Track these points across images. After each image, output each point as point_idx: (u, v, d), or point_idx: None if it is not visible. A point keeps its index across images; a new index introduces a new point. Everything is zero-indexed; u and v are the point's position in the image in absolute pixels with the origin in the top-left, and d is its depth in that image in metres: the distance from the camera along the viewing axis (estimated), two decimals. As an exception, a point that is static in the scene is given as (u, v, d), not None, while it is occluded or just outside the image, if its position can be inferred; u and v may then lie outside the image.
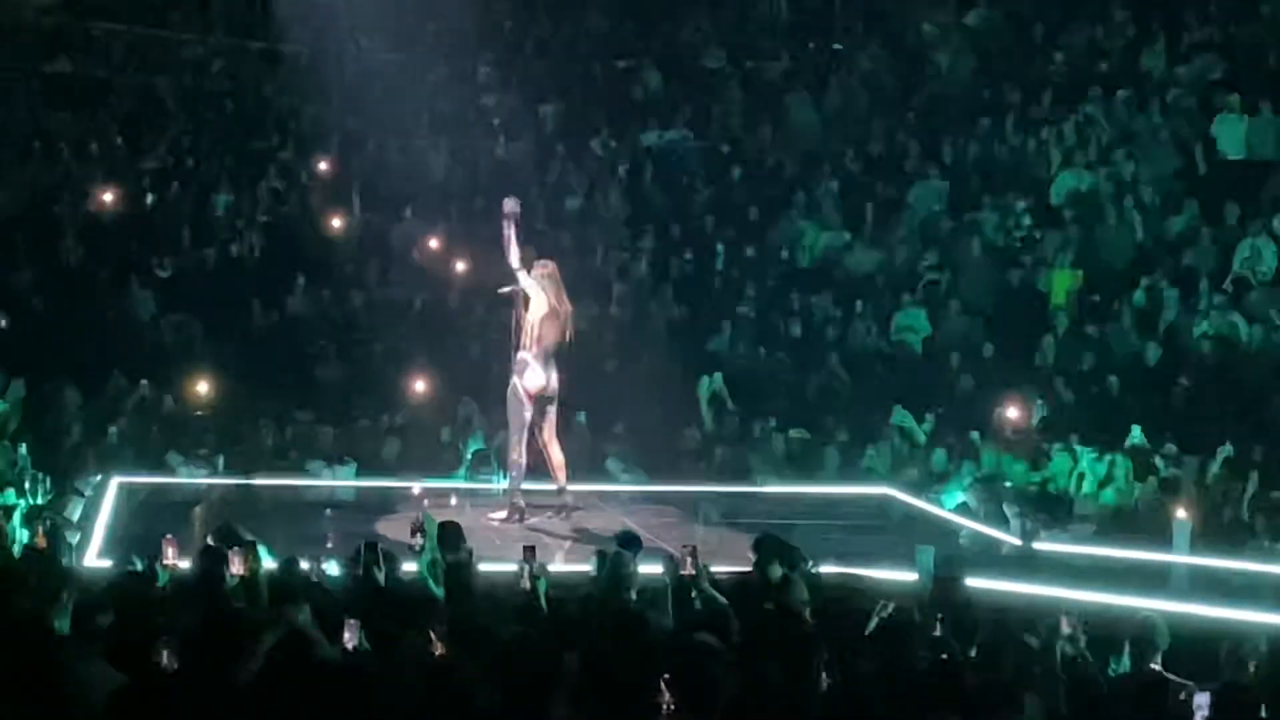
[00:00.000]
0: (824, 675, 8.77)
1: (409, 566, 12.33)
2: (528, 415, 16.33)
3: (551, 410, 16.59)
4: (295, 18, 28.08)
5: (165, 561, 11.62)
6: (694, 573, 11.58)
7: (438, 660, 9.07)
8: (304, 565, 11.66)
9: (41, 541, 12.49)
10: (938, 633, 10.18)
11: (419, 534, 12.61)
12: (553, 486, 16.81)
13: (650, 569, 12.21)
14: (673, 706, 7.96)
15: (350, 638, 9.11)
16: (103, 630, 9.37)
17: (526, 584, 11.50)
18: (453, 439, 20.06)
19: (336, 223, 24.22)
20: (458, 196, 25.05)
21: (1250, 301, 21.56)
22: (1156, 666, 9.71)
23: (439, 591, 11.43)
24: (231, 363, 21.24)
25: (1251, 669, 10.17)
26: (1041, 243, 23.40)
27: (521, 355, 16.34)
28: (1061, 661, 9.57)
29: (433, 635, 9.30)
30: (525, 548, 12.19)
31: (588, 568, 12.43)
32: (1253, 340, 21.16)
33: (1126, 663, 10.12)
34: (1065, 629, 9.86)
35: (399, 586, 11.48)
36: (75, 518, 16.25)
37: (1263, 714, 8.99)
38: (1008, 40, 26.80)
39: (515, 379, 16.33)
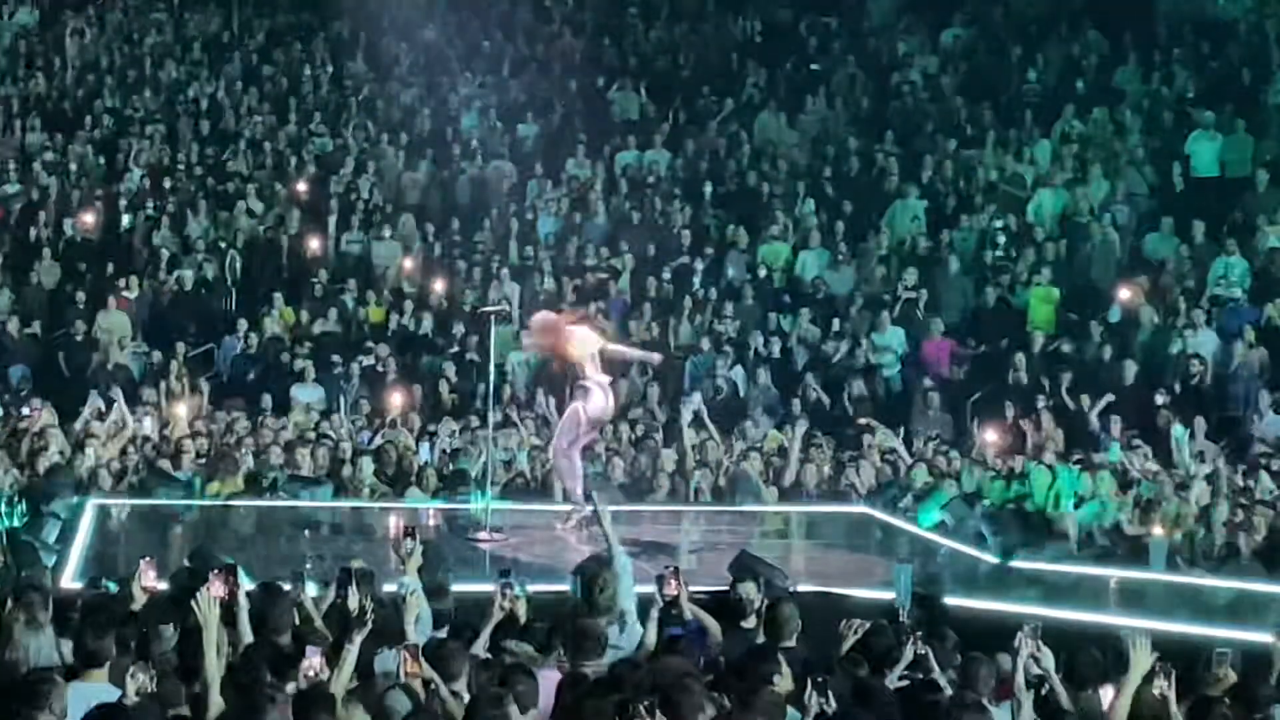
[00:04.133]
0: (815, 698, 8.76)
1: (388, 587, 12.26)
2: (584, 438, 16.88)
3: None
4: (272, 40, 28.17)
5: (143, 583, 11.58)
6: (676, 594, 11.56)
7: (411, 680, 9.06)
8: (285, 587, 11.60)
9: (-1, 556, 12.42)
10: (920, 650, 10.18)
11: (410, 537, 12.41)
12: (566, 507, 17.06)
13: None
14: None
15: (310, 665, 9.05)
16: (78, 651, 9.35)
17: (505, 604, 11.47)
18: (432, 458, 20.03)
19: (314, 244, 24.24)
20: (435, 217, 25.09)
21: (1225, 318, 21.63)
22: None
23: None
24: (209, 383, 21.21)
25: (1225, 682, 10.20)
26: (1019, 261, 23.46)
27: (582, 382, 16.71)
28: (1026, 679, 9.55)
29: (407, 655, 9.28)
30: (501, 571, 12.18)
31: (565, 588, 12.42)
32: (1228, 357, 21.21)
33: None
34: (1028, 646, 9.84)
35: (376, 609, 11.41)
36: (52, 540, 16.17)
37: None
38: (984, 60, 26.88)
39: (579, 404, 16.62)
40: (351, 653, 9.17)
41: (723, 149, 26.45)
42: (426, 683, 9.16)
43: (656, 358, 17.79)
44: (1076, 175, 24.42)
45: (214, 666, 8.91)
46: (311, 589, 11.77)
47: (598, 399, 16.57)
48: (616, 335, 17.28)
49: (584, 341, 16.75)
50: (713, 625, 11.33)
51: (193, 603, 9.24)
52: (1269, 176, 23.44)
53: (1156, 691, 9.13)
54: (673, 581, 11.57)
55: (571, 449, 16.72)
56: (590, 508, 16.50)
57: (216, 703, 8.73)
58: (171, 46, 28.35)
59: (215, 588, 10.12)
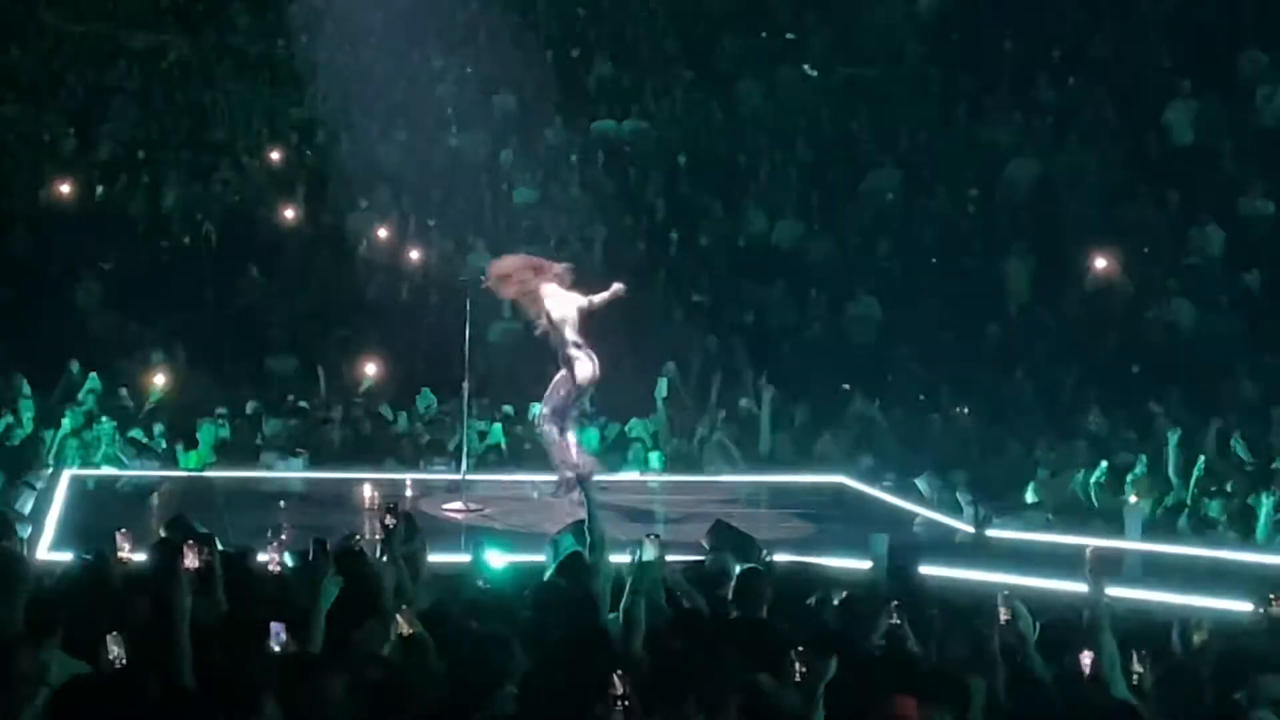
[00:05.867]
0: (798, 667, 8.74)
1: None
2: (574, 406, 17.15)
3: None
4: (246, 9, 28.06)
5: (119, 554, 11.55)
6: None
7: (404, 643, 9.04)
8: (261, 557, 11.58)
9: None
10: (895, 620, 10.17)
11: (389, 515, 12.41)
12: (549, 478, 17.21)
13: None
14: (627, 702, 7.92)
15: (276, 638, 9.02)
16: (53, 623, 9.32)
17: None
18: (409, 429, 20.04)
19: (289, 214, 24.18)
20: (411, 187, 25.03)
21: (1200, 286, 21.68)
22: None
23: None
24: (184, 354, 21.19)
25: (1198, 648, 10.23)
26: (994, 229, 23.47)
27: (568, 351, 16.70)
28: (1001, 648, 9.55)
29: (400, 618, 9.28)
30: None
31: (541, 558, 12.40)
32: (1203, 325, 21.26)
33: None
34: (1003, 615, 9.85)
35: (359, 579, 11.37)
36: (26, 511, 16.17)
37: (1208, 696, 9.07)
38: (960, 28, 26.85)
39: (566, 373, 16.81)
40: (317, 624, 9.14)
41: (698, 118, 26.40)
42: (419, 642, 9.14)
43: (619, 287, 17.64)
44: (1052, 143, 24.43)
45: (187, 638, 8.89)
46: (287, 559, 11.76)
47: (585, 366, 16.70)
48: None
49: (564, 304, 16.82)
50: None
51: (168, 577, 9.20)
52: (1244, 145, 23.48)
53: (1133, 678, 9.14)
54: (653, 550, 11.54)
55: (559, 418, 16.85)
56: (572, 477, 16.59)
57: (190, 673, 8.71)
58: (145, 15, 28.20)
59: (188, 559, 10.10)
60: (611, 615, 10.15)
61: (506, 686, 8.43)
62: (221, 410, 19.69)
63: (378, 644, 9.26)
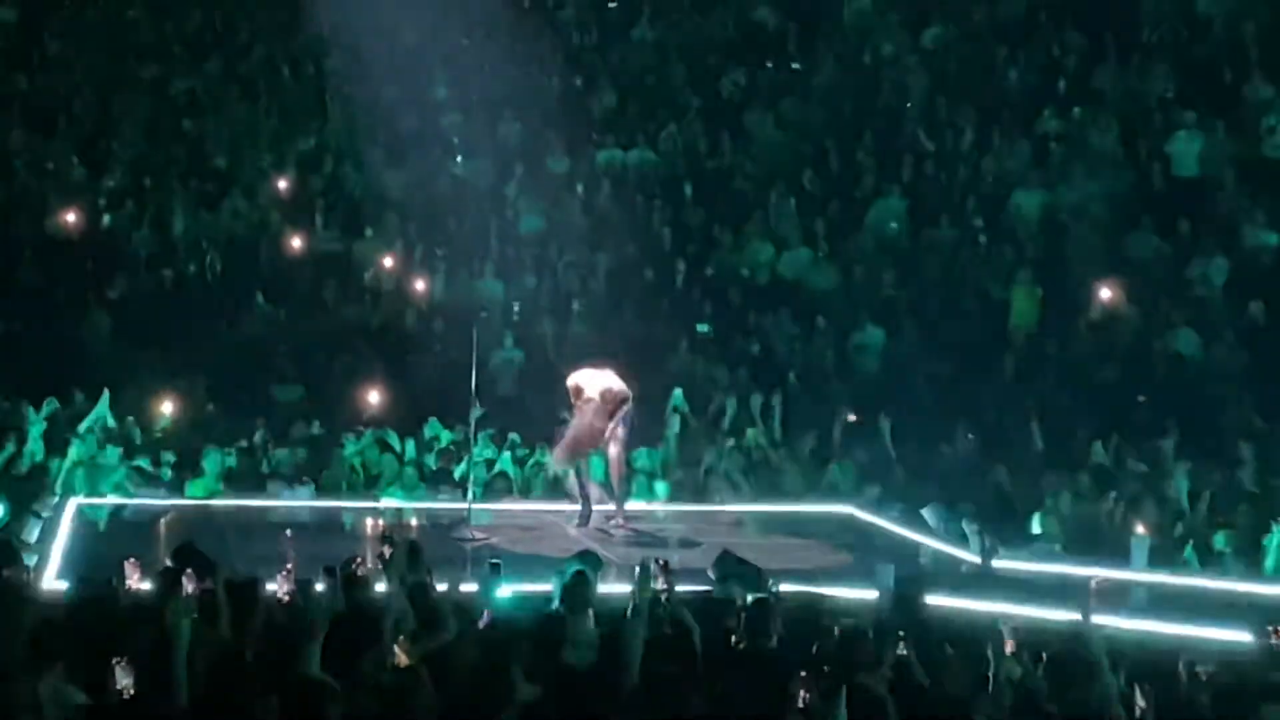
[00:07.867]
0: (801, 695, 8.75)
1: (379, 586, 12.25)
2: None
3: None
4: (253, 38, 28.12)
5: (128, 583, 11.57)
6: (667, 589, 11.50)
7: (401, 673, 9.06)
8: (270, 586, 11.60)
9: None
10: (901, 651, 10.18)
11: (387, 544, 12.47)
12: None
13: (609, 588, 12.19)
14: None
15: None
16: (60, 652, 9.32)
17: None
18: (417, 458, 20.03)
19: (295, 242, 24.21)
20: (416, 215, 25.05)
21: (1204, 317, 21.67)
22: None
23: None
24: (190, 383, 21.19)
25: (1204, 680, 10.23)
26: (999, 260, 23.46)
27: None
28: (1006, 679, 9.55)
29: (398, 648, 9.28)
30: (492, 564, 12.20)
31: (548, 587, 12.41)
32: (1208, 356, 21.25)
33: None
34: (1008, 647, 9.84)
35: (362, 607, 11.39)
36: (33, 539, 16.18)
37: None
38: (964, 59, 26.87)
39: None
40: (313, 653, 9.15)
41: (704, 148, 26.41)
42: (414, 671, 9.16)
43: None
44: (1057, 174, 24.43)
45: (183, 667, 8.90)
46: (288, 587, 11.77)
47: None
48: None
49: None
50: None
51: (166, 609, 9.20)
52: (1249, 176, 23.47)
53: (1136, 710, 9.16)
54: (660, 576, 11.55)
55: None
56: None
57: (184, 703, 8.71)
58: (152, 44, 28.24)
59: (187, 587, 10.12)
60: (615, 644, 10.18)
61: (505, 717, 8.43)
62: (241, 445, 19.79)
63: (376, 673, 9.27)
